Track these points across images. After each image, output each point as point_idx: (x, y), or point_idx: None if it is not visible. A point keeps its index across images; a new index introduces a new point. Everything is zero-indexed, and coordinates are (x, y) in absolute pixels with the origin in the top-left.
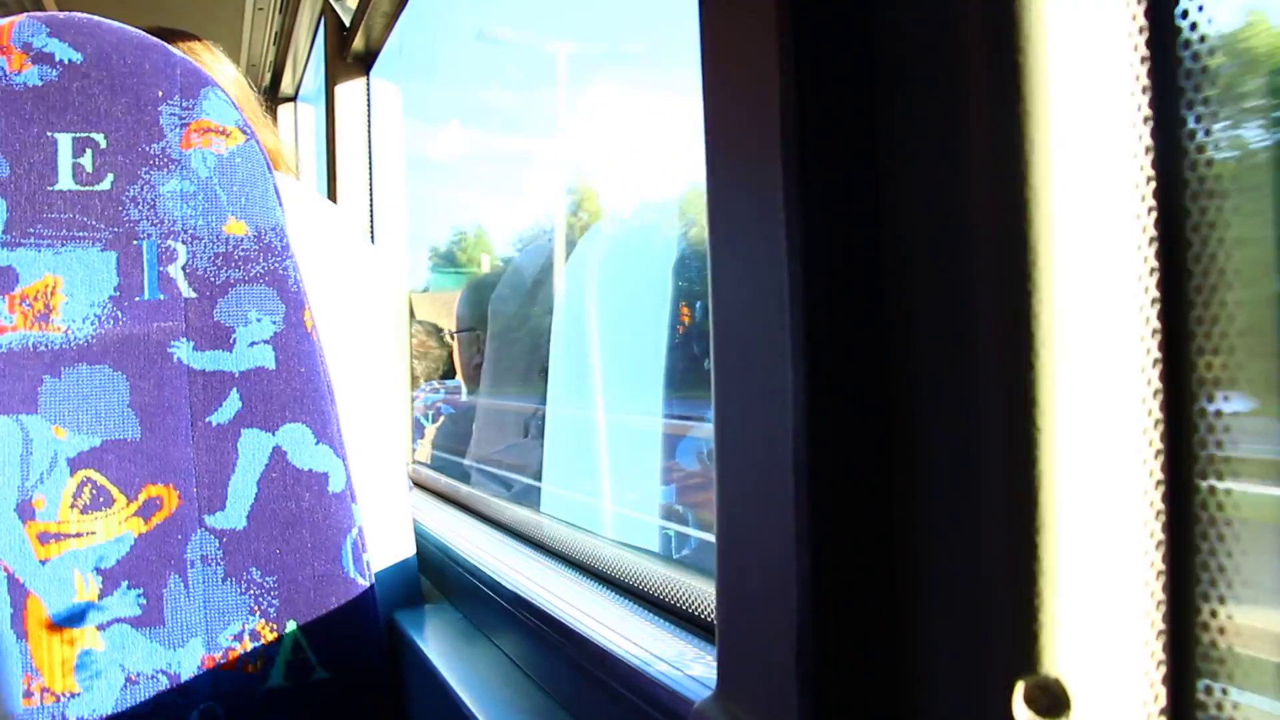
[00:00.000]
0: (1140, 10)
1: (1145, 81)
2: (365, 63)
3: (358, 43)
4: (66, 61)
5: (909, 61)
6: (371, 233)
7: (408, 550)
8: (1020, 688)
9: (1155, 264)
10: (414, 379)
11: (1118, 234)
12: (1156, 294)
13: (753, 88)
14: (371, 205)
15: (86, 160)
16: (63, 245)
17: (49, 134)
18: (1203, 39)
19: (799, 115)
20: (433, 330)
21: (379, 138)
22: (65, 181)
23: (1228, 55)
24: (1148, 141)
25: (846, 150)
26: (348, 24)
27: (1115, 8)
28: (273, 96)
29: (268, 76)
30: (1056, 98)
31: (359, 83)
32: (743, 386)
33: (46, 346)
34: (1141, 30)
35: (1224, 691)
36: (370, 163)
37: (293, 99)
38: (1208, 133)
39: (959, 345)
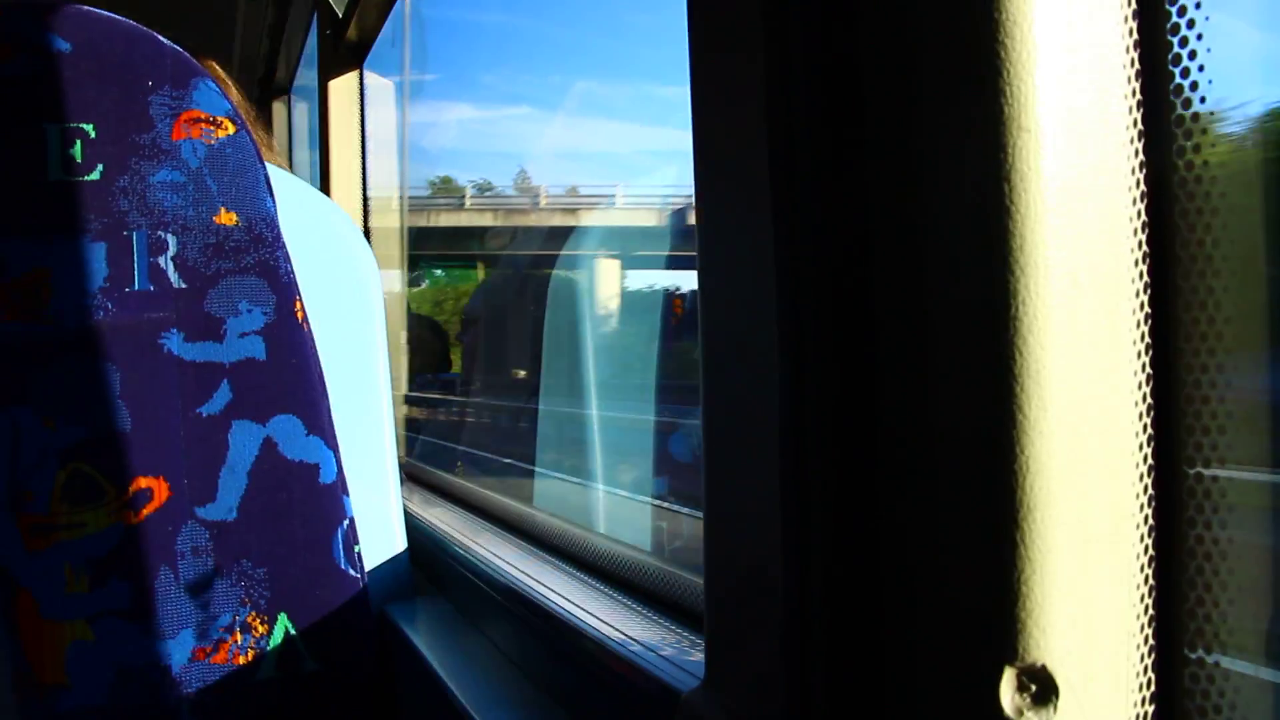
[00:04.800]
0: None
1: (1136, 67)
2: (358, 54)
3: (350, 34)
4: (55, 51)
5: (896, 61)
6: (365, 224)
7: (399, 542)
8: (1008, 675)
9: (1146, 249)
10: (410, 372)
11: (1104, 226)
12: (1147, 279)
13: (739, 88)
14: (365, 197)
15: (76, 151)
16: (52, 236)
17: (38, 124)
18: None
19: (785, 114)
20: (428, 324)
21: (372, 129)
22: (54, 172)
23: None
24: (1139, 128)
25: (832, 148)
26: (340, 15)
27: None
28: (266, 89)
29: (261, 69)
30: (1044, 93)
31: (351, 75)
32: (730, 382)
33: (36, 338)
34: (1135, 15)
35: (1210, 679)
36: (363, 155)
37: (287, 91)
38: (1195, 119)
39: (945, 336)
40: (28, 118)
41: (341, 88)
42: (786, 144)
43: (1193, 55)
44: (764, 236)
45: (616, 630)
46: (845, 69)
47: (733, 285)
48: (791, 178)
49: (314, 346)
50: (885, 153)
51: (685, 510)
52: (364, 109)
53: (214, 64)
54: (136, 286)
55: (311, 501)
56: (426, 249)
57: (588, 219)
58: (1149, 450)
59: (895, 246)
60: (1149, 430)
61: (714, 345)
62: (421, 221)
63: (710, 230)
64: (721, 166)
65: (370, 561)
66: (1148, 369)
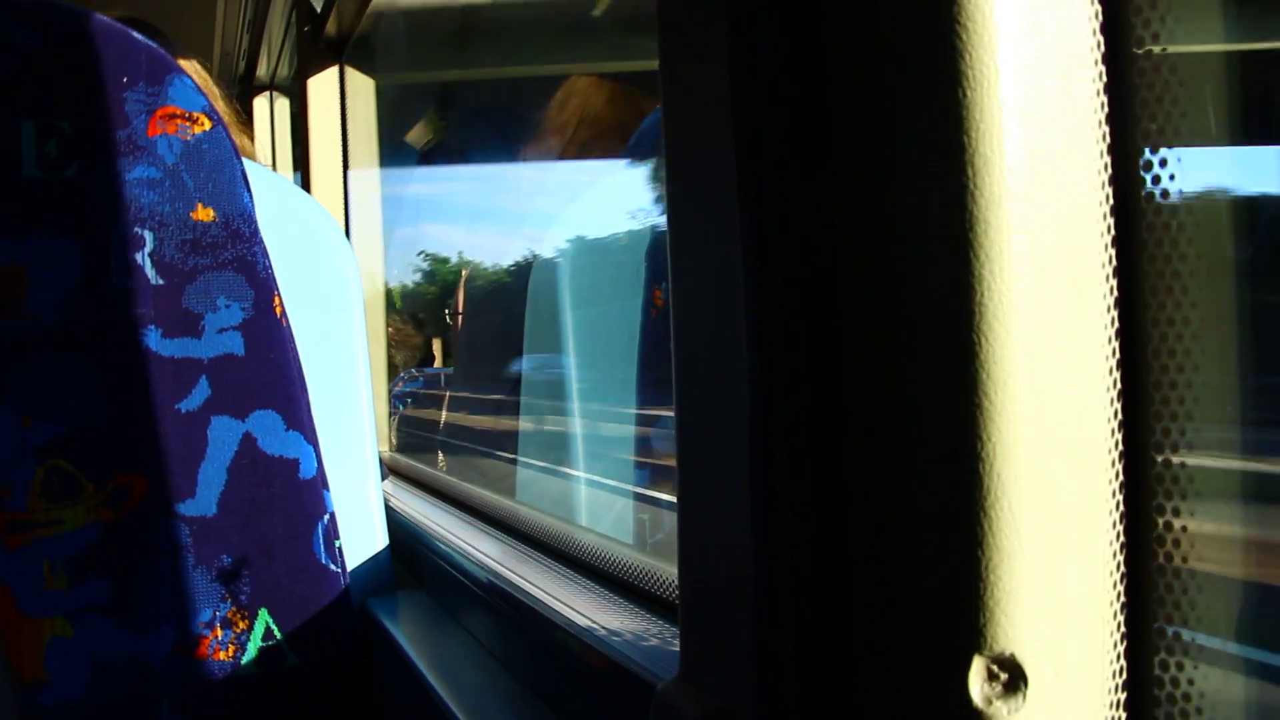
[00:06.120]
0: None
1: (1102, 50)
2: (337, 49)
3: (330, 28)
4: (29, 47)
5: (859, 50)
6: (346, 221)
7: (380, 537)
8: (977, 664)
9: (1115, 233)
10: (392, 367)
11: (1071, 211)
12: (1116, 263)
13: (708, 88)
14: (346, 193)
15: (51, 147)
16: (28, 233)
17: (12, 121)
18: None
19: (751, 114)
20: (410, 319)
21: (353, 126)
22: (29, 169)
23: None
24: (1105, 111)
25: (799, 147)
26: (319, 10)
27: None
28: (247, 86)
29: (242, 65)
30: (1007, 78)
31: (331, 70)
32: (701, 379)
33: (13, 335)
34: (1099, 21)
35: (1179, 666)
36: (345, 151)
37: (268, 88)
38: (1160, 101)
39: (912, 324)
40: (2, 114)
41: (321, 83)
42: (752, 132)
43: (1156, 38)
44: (731, 224)
45: (595, 623)
46: (809, 58)
47: (702, 280)
48: (758, 165)
49: (293, 342)
50: (849, 143)
51: None
52: (344, 104)
53: (194, 62)
54: (113, 283)
55: (292, 497)
56: None
57: None
58: (1119, 437)
59: (860, 236)
60: (1119, 416)
61: (685, 344)
62: None
63: (679, 230)
64: (690, 164)
65: (351, 556)
66: (1116, 355)
